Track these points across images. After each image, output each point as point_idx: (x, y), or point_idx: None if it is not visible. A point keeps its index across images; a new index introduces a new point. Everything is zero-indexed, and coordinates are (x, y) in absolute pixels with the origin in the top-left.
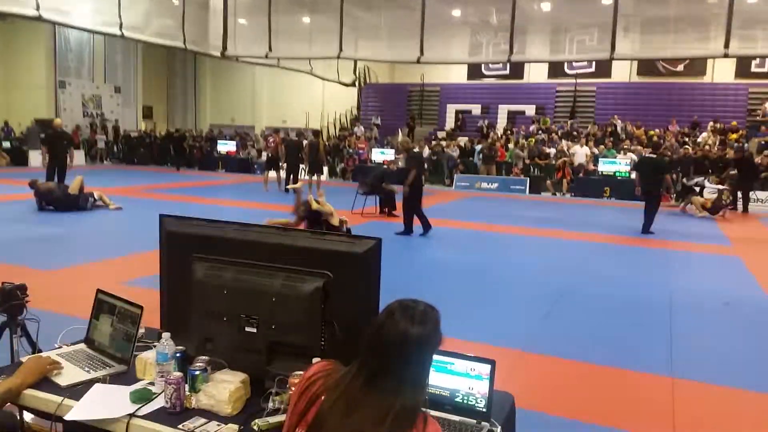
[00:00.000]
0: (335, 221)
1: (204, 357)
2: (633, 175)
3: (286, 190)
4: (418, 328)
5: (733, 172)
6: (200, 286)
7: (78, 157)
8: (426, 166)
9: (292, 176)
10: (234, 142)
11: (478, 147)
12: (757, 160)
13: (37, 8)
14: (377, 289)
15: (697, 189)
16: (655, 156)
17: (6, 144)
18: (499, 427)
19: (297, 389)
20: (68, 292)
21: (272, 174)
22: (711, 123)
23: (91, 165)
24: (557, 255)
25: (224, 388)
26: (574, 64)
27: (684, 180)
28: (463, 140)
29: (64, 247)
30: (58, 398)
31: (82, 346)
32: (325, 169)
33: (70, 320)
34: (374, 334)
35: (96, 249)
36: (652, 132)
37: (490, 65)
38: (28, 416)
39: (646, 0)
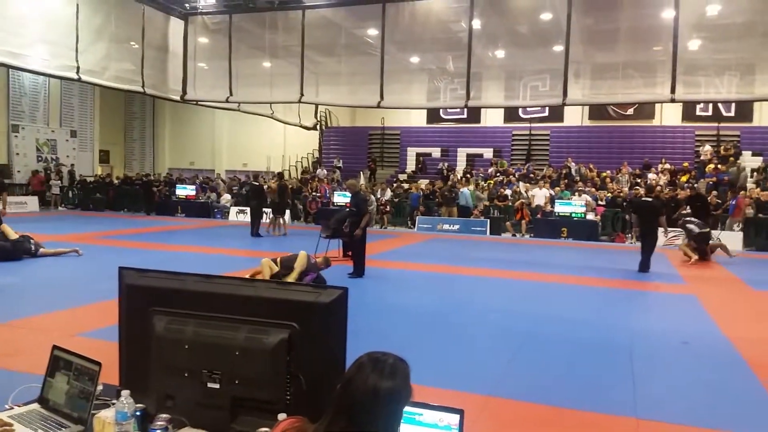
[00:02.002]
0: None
1: (165, 415)
2: (627, 217)
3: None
4: (388, 382)
5: (686, 211)
6: (160, 340)
7: (31, 203)
8: (387, 207)
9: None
10: (194, 186)
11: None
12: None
13: None
14: (344, 339)
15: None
16: (651, 199)
17: None
18: None
19: None
20: (19, 346)
21: (242, 217)
22: (660, 165)
23: (44, 211)
24: (520, 297)
25: None
26: (528, 109)
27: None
28: (423, 182)
29: (14, 298)
30: None
31: (36, 406)
32: (288, 211)
33: (22, 377)
34: (344, 389)
35: (49, 299)
36: (604, 174)
37: (448, 110)
38: None
39: (595, 48)
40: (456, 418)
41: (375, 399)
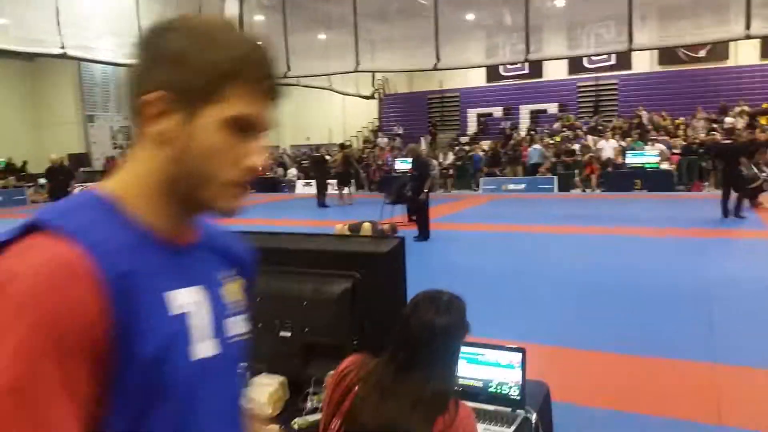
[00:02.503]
0: None
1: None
2: (704, 164)
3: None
4: (444, 318)
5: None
6: None
7: None
8: (449, 171)
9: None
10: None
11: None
12: None
13: (62, 47)
14: (404, 285)
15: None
16: (731, 141)
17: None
18: (535, 414)
19: (332, 381)
20: None
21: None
22: (738, 107)
23: None
24: (592, 251)
25: (264, 390)
26: (594, 58)
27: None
28: (486, 143)
29: None
30: None
31: None
32: (353, 181)
33: None
34: (402, 326)
35: None
36: (678, 120)
37: (509, 66)
38: None
39: None
40: (518, 356)
41: (431, 334)
